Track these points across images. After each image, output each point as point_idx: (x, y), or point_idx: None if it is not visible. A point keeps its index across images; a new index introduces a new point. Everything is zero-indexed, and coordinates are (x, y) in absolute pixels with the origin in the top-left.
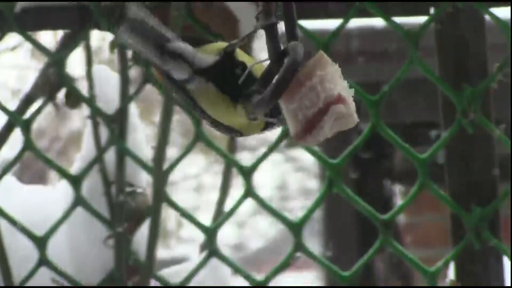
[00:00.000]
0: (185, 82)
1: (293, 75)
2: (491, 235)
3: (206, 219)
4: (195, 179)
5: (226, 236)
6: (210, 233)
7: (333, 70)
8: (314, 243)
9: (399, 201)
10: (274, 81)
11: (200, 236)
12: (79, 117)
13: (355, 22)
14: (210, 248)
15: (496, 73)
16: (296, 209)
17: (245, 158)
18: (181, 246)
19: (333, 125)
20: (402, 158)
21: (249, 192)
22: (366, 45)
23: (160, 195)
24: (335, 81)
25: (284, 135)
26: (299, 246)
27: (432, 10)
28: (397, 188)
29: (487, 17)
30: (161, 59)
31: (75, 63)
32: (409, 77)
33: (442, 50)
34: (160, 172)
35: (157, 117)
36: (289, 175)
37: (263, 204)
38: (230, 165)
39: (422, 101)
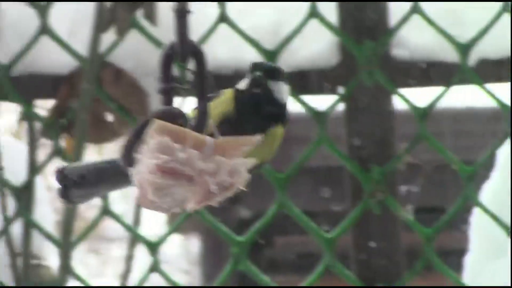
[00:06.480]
0: None
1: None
2: None
3: None
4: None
5: None
6: None
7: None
8: None
9: None
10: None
11: None
12: None
13: None
14: None
15: (403, 154)
16: None
17: None
18: None
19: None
20: (283, 245)
21: None
22: None
23: (66, 268)
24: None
25: None
26: None
27: (341, 90)
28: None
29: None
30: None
31: None
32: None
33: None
34: (67, 245)
35: None
36: None
37: None
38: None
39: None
